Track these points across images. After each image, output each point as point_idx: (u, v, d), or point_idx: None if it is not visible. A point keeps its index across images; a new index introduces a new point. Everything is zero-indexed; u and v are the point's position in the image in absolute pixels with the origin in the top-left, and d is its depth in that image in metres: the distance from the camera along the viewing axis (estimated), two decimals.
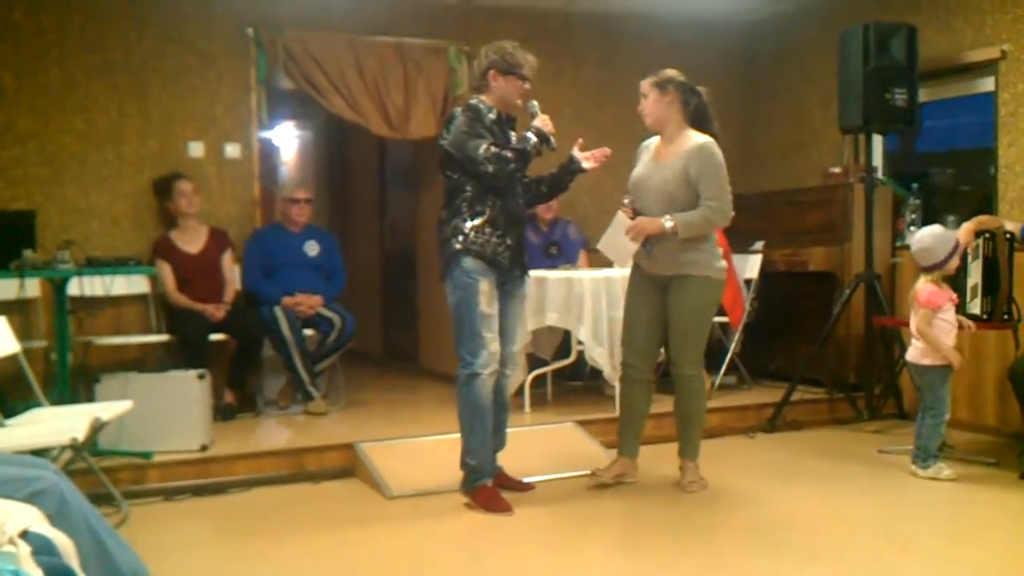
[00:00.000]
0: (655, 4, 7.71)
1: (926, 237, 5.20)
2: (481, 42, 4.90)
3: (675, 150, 4.85)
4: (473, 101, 4.77)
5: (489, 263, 4.65)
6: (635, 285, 5.05)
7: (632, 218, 4.84)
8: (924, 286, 5.17)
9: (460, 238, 4.66)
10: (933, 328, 5.13)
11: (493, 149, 4.56)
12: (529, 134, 4.67)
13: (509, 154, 4.58)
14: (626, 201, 4.93)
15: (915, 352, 5.24)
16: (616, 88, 7.87)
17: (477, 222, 4.66)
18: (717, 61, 8.27)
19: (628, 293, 5.11)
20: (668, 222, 4.72)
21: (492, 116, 4.73)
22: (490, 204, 4.68)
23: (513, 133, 4.83)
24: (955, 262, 5.16)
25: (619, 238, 4.88)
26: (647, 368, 5.06)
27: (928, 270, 5.18)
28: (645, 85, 4.88)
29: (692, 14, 8.02)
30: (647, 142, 5.05)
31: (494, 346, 4.66)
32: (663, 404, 5.38)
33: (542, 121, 4.70)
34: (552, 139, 4.68)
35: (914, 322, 5.20)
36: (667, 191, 4.79)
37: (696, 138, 4.82)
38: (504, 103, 4.75)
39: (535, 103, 4.78)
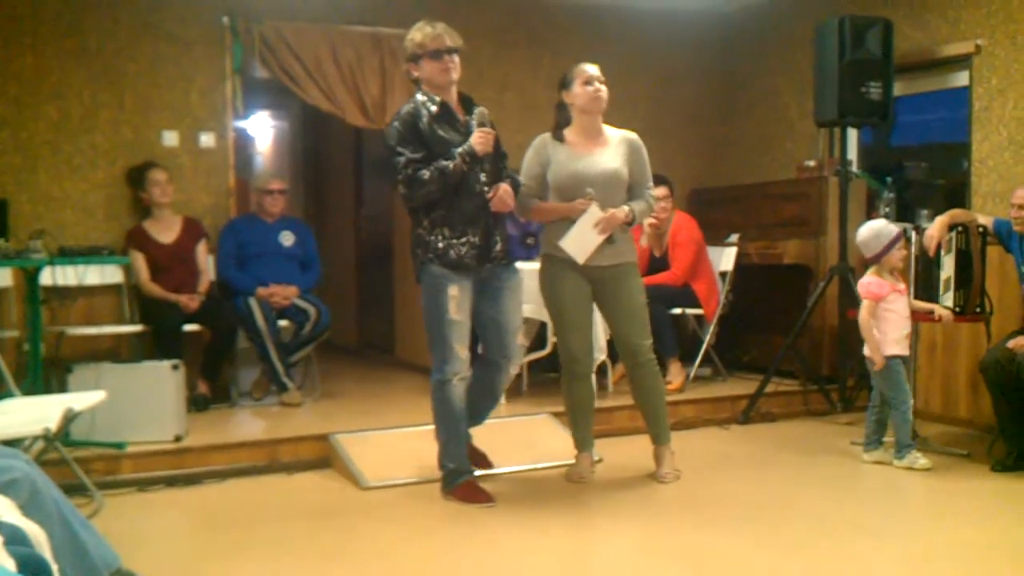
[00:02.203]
0: None
1: (863, 231, 5.33)
2: (459, 32, 4.82)
3: (601, 141, 4.92)
4: (412, 102, 4.64)
5: (454, 266, 4.60)
6: (565, 282, 4.89)
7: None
8: (865, 278, 5.30)
9: (423, 247, 4.62)
10: (880, 320, 5.22)
11: (410, 172, 4.49)
12: (455, 151, 4.53)
13: (424, 174, 4.48)
14: (592, 193, 4.75)
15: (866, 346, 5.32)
16: None
17: (436, 227, 4.61)
18: (693, 52, 8.30)
19: (559, 292, 4.91)
20: (627, 211, 4.84)
21: (434, 109, 4.60)
22: (443, 206, 4.60)
23: (474, 118, 4.70)
24: (897, 254, 5.24)
25: (587, 233, 4.75)
26: (591, 362, 5.10)
27: (872, 262, 5.30)
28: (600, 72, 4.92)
29: (669, 6, 8.03)
30: (547, 136, 4.94)
31: (464, 354, 4.64)
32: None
33: (476, 136, 4.55)
34: (476, 151, 4.54)
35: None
36: (614, 180, 4.86)
37: (623, 132, 5.00)
38: (437, 87, 4.63)
39: (482, 112, 4.68)
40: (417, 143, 4.54)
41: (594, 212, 4.74)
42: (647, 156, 5.01)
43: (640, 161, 4.97)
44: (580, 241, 4.77)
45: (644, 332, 4.97)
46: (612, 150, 4.90)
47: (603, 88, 4.88)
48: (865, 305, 5.25)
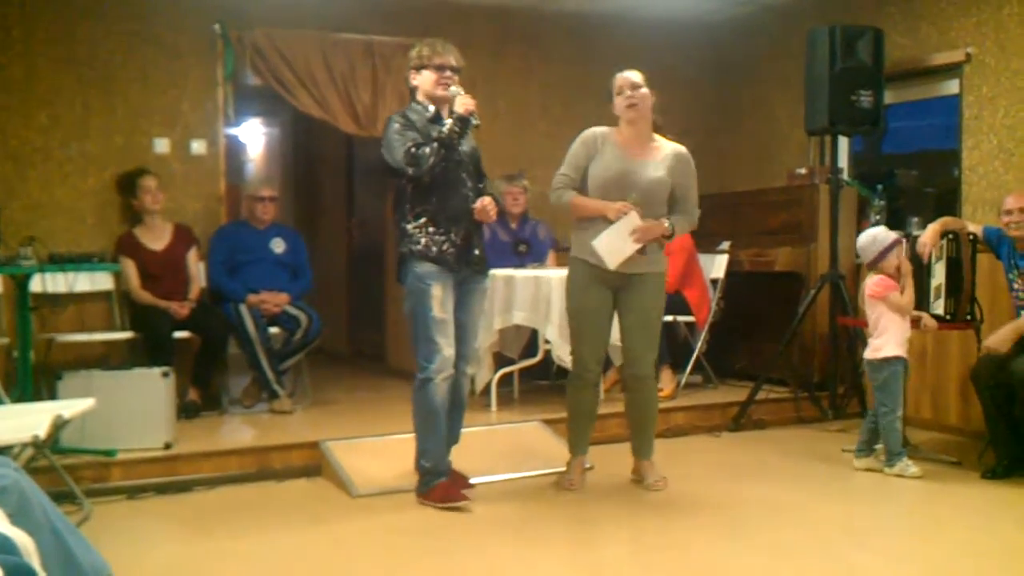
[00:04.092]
0: (625, 5, 7.73)
1: (861, 238, 5.39)
2: (452, 41, 4.87)
3: (653, 150, 4.87)
4: (406, 108, 4.83)
5: (436, 263, 4.65)
6: (587, 285, 4.89)
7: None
8: (869, 279, 5.32)
9: (405, 240, 4.70)
10: (886, 320, 5.24)
11: (413, 150, 4.57)
12: (446, 120, 4.69)
13: (426, 150, 4.58)
14: (635, 198, 4.73)
15: (870, 349, 5.33)
16: (586, 87, 7.87)
17: (419, 222, 4.69)
18: (685, 61, 8.31)
19: (578, 294, 4.93)
20: (668, 225, 4.79)
21: (428, 115, 4.76)
22: (429, 203, 4.69)
23: (451, 92, 4.78)
24: (893, 260, 5.26)
25: (622, 239, 4.71)
26: (599, 369, 5.08)
27: (869, 268, 5.36)
28: (639, 79, 4.85)
29: (661, 14, 8.05)
30: (599, 131, 4.91)
31: (448, 351, 4.66)
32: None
33: (461, 103, 4.66)
34: (472, 117, 4.65)
35: (872, 317, 5.32)
36: (655, 192, 4.81)
37: (674, 145, 4.92)
38: (432, 98, 4.77)
39: (455, 88, 4.74)
40: (415, 136, 4.66)
41: (632, 219, 4.71)
42: (695, 173, 4.94)
43: (687, 175, 4.90)
44: (614, 246, 4.74)
45: (650, 348, 4.95)
46: (660, 160, 4.86)
47: (635, 94, 4.83)
48: (890, 298, 5.20)
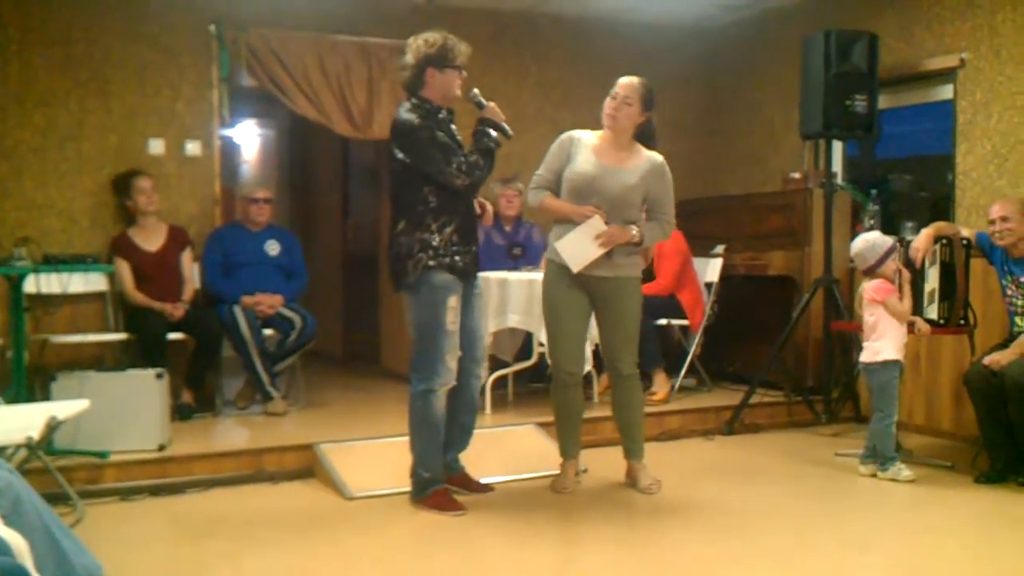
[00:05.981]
0: (620, 8, 7.74)
1: (858, 243, 5.40)
2: None
3: (628, 159, 4.85)
4: (416, 105, 4.59)
5: (459, 274, 4.60)
6: (561, 288, 4.89)
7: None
8: (869, 283, 5.33)
9: (430, 252, 4.55)
10: (885, 323, 5.25)
11: (471, 159, 4.50)
12: (487, 129, 4.61)
13: (480, 160, 4.53)
14: (597, 203, 4.75)
15: (868, 352, 5.34)
16: (580, 90, 7.88)
17: (446, 233, 4.58)
18: (680, 65, 8.32)
19: (554, 297, 4.93)
20: (636, 232, 4.78)
21: (443, 116, 4.63)
22: (456, 213, 4.61)
23: (475, 96, 4.73)
24: (891, 264, 5.28)
25: (585, 242, 4.72)
26: (581, 371, 5.08)
27: (866, 274, 5.37)
28: (634, 94, 4.80)
29: (656, 19, 8.06)
30: (576, 135, 4.93)
31: (453, 365, 4.63)
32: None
33: (492, 111, 4.62)
34: (506, 127, 4.63)
35: (870, 320, 5.32)
36: (625, 198, 4.80)
37: (650, 154, 4.90)
38: (445, 98, 4.63)
39: (476, 91, 4.67)
40: (450, 142, 4.57)
41: (595, 223, 4.72)
42: (671, 183, 4.93)
43: (661, 185, 4.88)
44: (577, 249, 4.76)
45: (626, 349, 4.96)
46: (632, 168, 4.82)
47: (616, 107, 4.80)
48: (889, 302, 5.22)
